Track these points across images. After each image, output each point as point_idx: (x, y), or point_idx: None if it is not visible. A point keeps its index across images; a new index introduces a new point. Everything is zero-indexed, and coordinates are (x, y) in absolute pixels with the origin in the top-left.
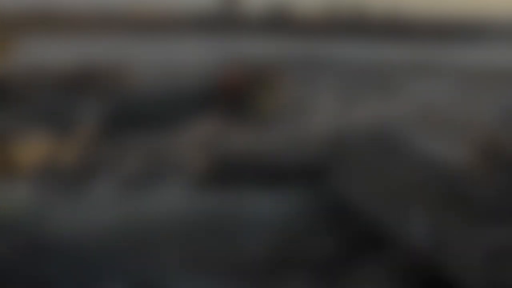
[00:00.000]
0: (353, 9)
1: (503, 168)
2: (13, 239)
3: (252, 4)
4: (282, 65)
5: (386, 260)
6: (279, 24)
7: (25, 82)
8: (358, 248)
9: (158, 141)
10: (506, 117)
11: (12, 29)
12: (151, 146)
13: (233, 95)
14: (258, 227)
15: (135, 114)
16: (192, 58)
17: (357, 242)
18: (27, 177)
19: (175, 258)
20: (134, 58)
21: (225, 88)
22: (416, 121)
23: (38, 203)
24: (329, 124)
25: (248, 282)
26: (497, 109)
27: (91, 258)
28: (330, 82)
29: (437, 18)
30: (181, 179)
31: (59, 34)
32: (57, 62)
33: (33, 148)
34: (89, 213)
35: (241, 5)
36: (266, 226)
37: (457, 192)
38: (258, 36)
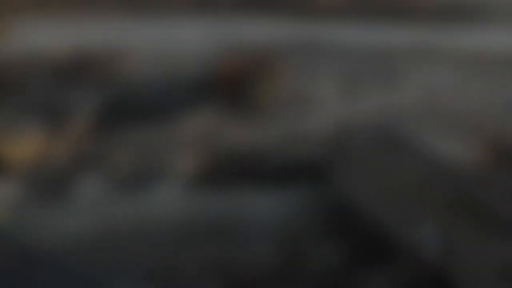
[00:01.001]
0: None
1: None
2: None
3: None
4: (283, 50)
5: (393, 269)
6: (279, 5)
7: (15, 70)
8: (364, 256)
9: (153, 135)
10: None
11: (3, 12)
12: (145, 141)
13: (233, 84)
14: (258, 231)
15: (130, 105)
16: (190, 42)
17: (363, 249)
18: (15, 175)
19: (169, 265)
20: (129, 42)
21: (224, 76)
22: (422, 113)
23: (26, 204)
24: (333, 116)
25: None
26: (508, 99)
27: (81, 265)
28: (333, 68)
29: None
30: (176, 178)
31: (50, 16)
32: (49, 47)
33: (23, 143)
34: (80, 216)
35: None
36: (266, 230)
37: (469, 196)
38: (258, 18)
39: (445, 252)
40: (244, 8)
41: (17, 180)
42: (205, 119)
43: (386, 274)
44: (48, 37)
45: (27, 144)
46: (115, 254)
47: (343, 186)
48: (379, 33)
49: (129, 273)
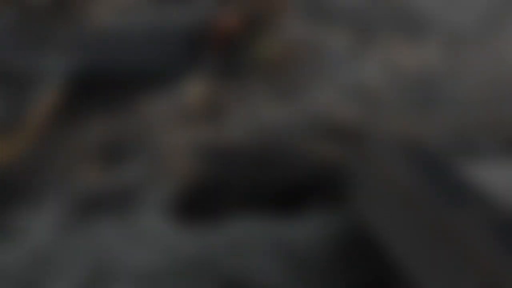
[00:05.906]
0: None
1: None
2: None
3: None
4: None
5: None
6: None
7: None
8: None
9: (130, 127)
10: None
11: None
12: (120, 136)
13: (229, 39)
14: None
15: (103, 75)
16: None
17: None
18: None
19: None
20: None
21: (218, 35)
22: (451, 78)
23: None
24: (347, 84)
25: None
26: None
27: None
28: (343, 15)
29: None
30: (157, 204)
31: None
32: None
33: None
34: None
35: None
36: (276, 275)
37: None
38: None
39: None
40: None
41: None
42: (195, 97)
43: None
44: None
45: None
46: None
47: (363, 218)
48: None
49: None
